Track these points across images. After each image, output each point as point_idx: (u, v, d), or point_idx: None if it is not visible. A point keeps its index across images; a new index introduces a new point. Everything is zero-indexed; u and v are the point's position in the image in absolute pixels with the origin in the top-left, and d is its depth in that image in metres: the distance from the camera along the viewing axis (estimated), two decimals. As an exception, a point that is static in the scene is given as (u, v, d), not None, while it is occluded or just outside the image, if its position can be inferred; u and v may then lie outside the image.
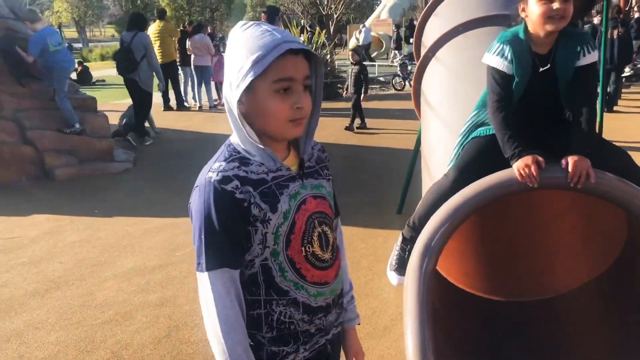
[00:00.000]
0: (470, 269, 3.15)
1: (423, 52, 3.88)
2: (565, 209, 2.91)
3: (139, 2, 41.78)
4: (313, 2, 21.06)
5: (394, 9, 23.49)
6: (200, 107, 11.79)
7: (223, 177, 1.31)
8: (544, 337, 2.85)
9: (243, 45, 1.31)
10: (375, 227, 4.88)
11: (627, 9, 11.02)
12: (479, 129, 2.44)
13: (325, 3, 19.22)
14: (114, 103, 12.10)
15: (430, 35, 3.99)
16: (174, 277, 4.07)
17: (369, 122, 9.41)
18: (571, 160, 2.03)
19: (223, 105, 7.75)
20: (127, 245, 4.71)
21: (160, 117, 9.36)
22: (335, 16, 19.13)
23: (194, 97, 12.00)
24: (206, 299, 1.31)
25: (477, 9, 3.70)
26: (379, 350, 3.14)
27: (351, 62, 9.91)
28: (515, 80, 2.25)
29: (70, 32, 57.60)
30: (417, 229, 2.51)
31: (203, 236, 1.31)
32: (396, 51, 21.12)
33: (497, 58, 2.26)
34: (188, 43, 11.44)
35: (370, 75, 16.71)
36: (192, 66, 11.62)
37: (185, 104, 11.82)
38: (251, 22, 1.35)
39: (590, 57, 2.21)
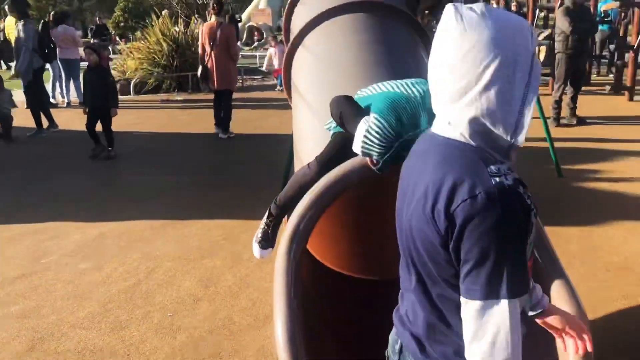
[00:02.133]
0: (346, 251, 3.26)
1: (292, 39, 3.92)
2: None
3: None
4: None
5: (273, -2, 23.28)
6: (68, 103, 11.17)
7: (515, 181, 1.15)
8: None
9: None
10: (256, 219, 4.83)
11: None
12: None
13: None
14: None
15: (298, 21, 4.04)
16: (37, 287, 3.82)
17: (250, 113, 9.36)
18: None
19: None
20: (-16, 256, 4.36)
21: (24, 115, 8.71)
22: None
23: (61, 93, 11.36)
24: (497, 328, 1.14)
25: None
26: (259, 340, 3.16)
27: None
28: None
29: None
30: (282, 208, 2.65)
31: (511, 256, 1.13)
32: None
33: None
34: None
35: (252, 66, 16.75)
36: (58, 59, 10.90)
37: (52, 100, 11.10)
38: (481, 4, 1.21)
39: None
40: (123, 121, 9.57)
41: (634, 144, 5.72)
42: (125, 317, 3.42)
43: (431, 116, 2.24)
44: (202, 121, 9.29)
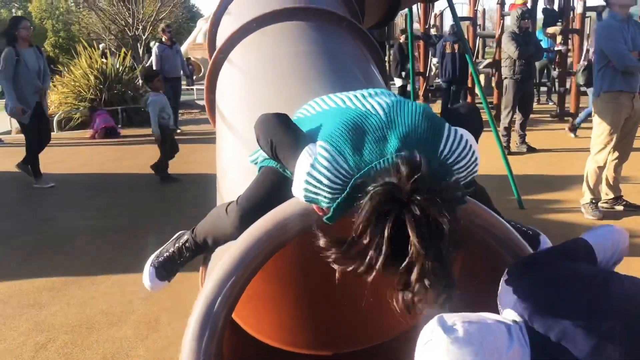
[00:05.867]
0: (288, 322, 2.50)
1: (214, 54, 3.21)
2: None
3: None
4: (113, 20, 19.51)
5: (211, 33, 22.63)
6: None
7: None
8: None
9: None
10: (183, 271, 4.05)
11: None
12: None
13: (131, 23, 17.85)
14: None
15: (224, 34, 3.34)
16: None
17: (186, 147, 8.53)
18: None
19: None
20: None
21: None
22: (143, 38, 17.87)
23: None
24: None
25: (273, 1, 3.14)
26: None
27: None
28: None
29: None
30: (200, 248, 2.03)
31: None
32: None
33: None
34: None
35: (188, 97, 15.87)
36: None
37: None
38: None
39: None
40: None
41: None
42: (-6, 420, 2.52)
43: (402, 139, 1.47)
44: (130, 158, 8.38)
